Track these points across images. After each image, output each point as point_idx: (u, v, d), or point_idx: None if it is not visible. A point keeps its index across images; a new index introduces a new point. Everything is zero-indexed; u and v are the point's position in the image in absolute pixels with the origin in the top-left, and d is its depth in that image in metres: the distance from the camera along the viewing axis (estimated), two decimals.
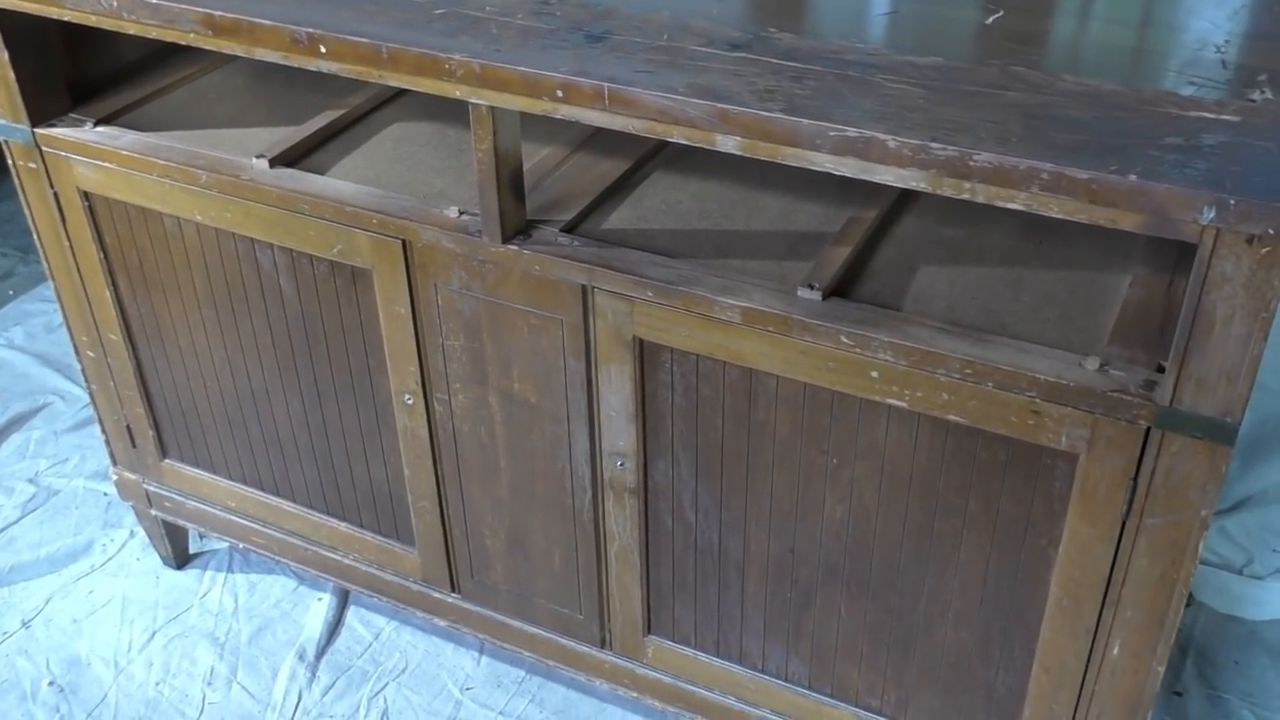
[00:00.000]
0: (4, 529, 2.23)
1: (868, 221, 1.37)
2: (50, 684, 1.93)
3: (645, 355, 1.36)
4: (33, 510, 2.27)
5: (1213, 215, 0.97)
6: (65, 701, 1.90)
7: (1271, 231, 0.96)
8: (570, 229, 1.39)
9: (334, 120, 1.62)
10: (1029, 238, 1.36)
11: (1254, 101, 1.10)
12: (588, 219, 1.42)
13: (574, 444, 1.48)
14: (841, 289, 1.28)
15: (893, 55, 1.21)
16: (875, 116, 1.09)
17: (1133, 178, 1.00)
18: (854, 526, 1.37)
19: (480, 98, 1.26)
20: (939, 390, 1.20)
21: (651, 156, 1.53)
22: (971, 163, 1.04)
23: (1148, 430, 1.13)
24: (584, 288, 1.34)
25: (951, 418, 1.22)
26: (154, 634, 2.02)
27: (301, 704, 1.89)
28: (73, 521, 2.24)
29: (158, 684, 1.93)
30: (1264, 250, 0.99)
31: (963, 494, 1.28)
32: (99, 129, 1.62)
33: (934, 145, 1.05)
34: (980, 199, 1.07)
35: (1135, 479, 1.16)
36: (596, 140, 1.54)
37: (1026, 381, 1.16)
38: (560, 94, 1.20)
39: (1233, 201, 0.96)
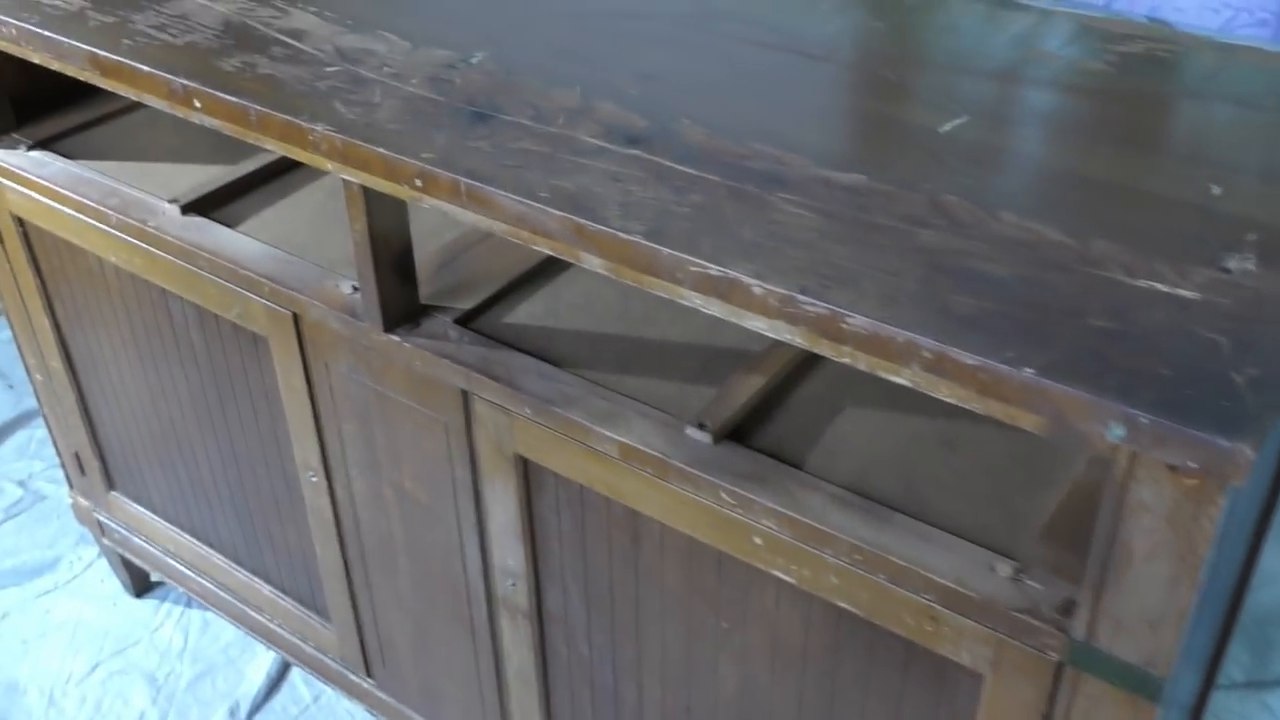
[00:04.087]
0: None
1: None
2: None
3: (530, 474, 1.19)
4: (15, 515, 2.24)
5: (1122, 434, 0.75)
6: None
7: (1193, 465, 0.74)
8: (466, 320, 1.23)
9: (269, 164, 1.50)
10: None
11: (1228, 272, 0.87)
12: (492, 308, 1.25)
13: (466, 553, 1.32)
14: (743, 429, 1.09)
15: (810, 167, 1.01)
16: (747, 252, 0.90)
17: (1028, 371, 0.78)
18: (749, 698, 1.17)
19: (349, 175, 1.10)
20: (826, 572, 1.00)
21: None
22: (844, 325, 0.84)
23: (1060, 665, 0.91)
24: (464, 392, 1.18)
25: (842, 604, 1.01)
26: (96, 666, 1.95)
27: None
28: (50, 532, 2.20)
29: None
30: (1190, 483, 0.76)
31: (862, 688, 1.07)
32: (32, 153, 1.53)
33: (801, 298, 0.86)
34: (862, 366, 0.87)
35: (1048, 717, 0.94)
36: None
37: (921, 581, 0.95)
38: (419, 183, 1.04)
39: (1145, 420, 0.74)
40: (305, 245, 1.36)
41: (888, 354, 0.84)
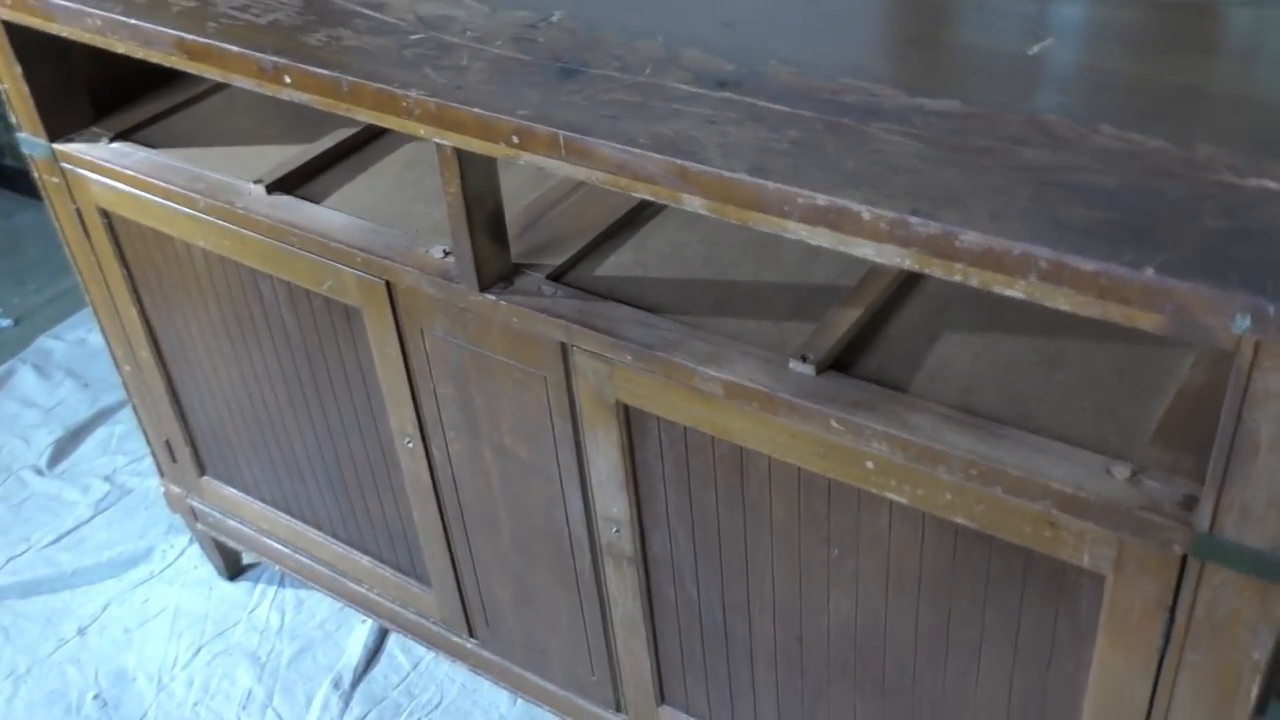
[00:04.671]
0: (75, 529, 2.24)
1: (890, 275, 1.19)
2: (95, 697, 1.93)
3: (631, 420, 1.22)
4: (105, 509, 2.28)
5: (1247, 325, 0.77)
6: (106, 717, 1.89)
7: None
8: (559, 275, 1.26)
9: (344, 140, 1.53)
10: None
11: None
12: (582, 263, 1.28)
13: (569, 505, 1.35)
14: (844, 360, 1.11)
15: (901, 97, 1.03)
16: (853, 181, 0.92)
17: (1149, 272, 0.80)
18: (863, 623, 1.20)
19: (442, 138, 1.13)
20: (941, 490, 1.03)
21: None
22: (957, 244, 0.87)
23: (1184, 558, 0.93)
24: (563, 345, 1.21)
25: (958, 520, 1.04)
26: (199, 650, 1.99)
27: None
28: (139, 524, 2.24)
29: (196, 704, 1.90)
30: None
31: (977, 603, 1.10)
32: (113, 145, 1.57)
33: (913, 220, 0.88)
34: (974, 283, 0.89)
35: (1173, 611, 0.97)
36: None
37: (1040, 489, 0.97)
38: (516, 140, 1.06)
39: (1271, 309, 0.76)
40: (390, 216, 1.39)
41: (1003, 267, 0.86)
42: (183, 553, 2.18)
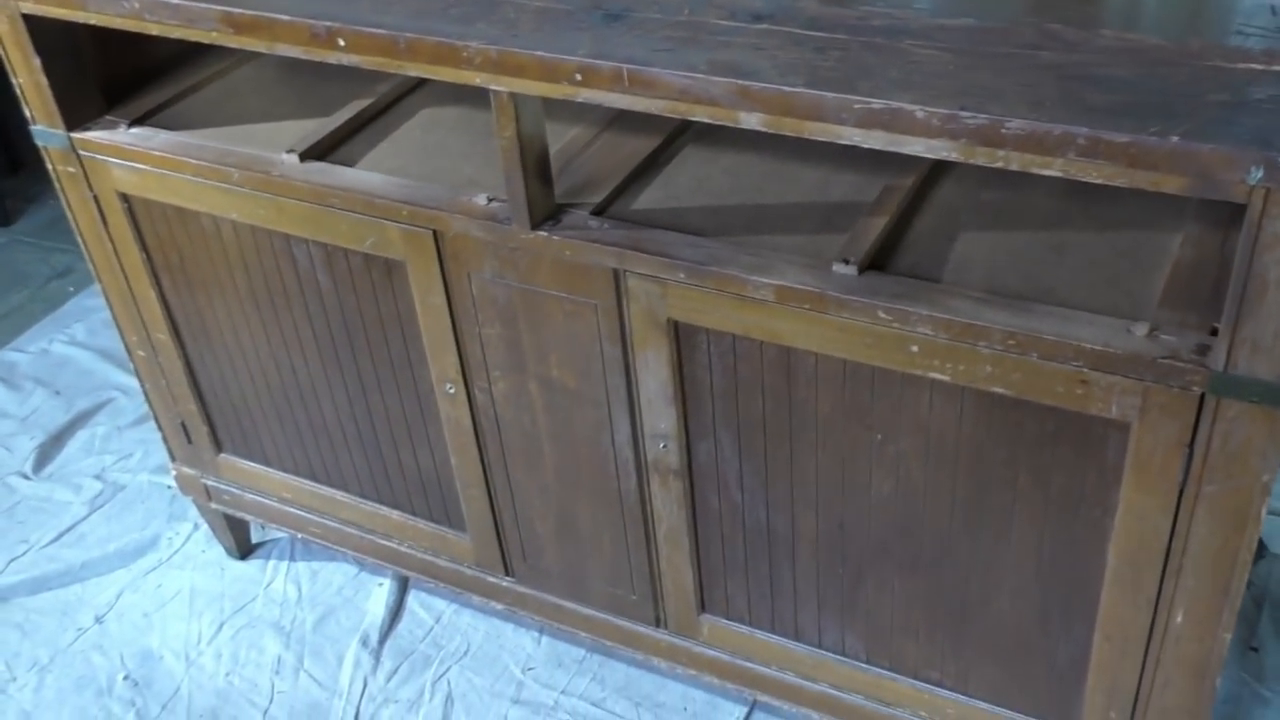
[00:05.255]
0: (74, 526, 2.27)
1: (904, 189, 1.33)
2: (125, 678, 1.97)
3: (681, 337, 1.34)
4: (100, 506, 2.31)
5: (1260, 175, 0.93)
6: (140, 695, 1.94)
7: None
8: (600, 211, 1.37)
9: (362, 110, 1.61)
10: (1074, 198, 1.31)
11: None
12: (617, 200, 1.39)
13: (615, 428, 1.46)
14: (878, 262, 1.25)
15: (922, 18, 1.17)
16: (901, 86, 1.05)
17: (1174, 139, 0.95)
18: (902, 502, 1.34)
19: (499, 84, 1.23)
20: (982, 363, 1.17)
21: (682, 131, 1.50)
22: (1004, 131, 1.00)
23: (1202, 396, 1.09)
24: (615, 271, 1.32)
25: (996, 390, 1.18)
26: (222, 625, 2.05)
27: (367, 690, 1.91)
28: (139, 516, 2.28)
29: (228, 675, 1.96)
30: None
31: (1011, 467, 1.24)
32: (133, 130, 1.63)
33: (963, 114, 1.01)
34: (1015, 167, 1.03)
35: (1191, 446, 1.12)
36: (625, 117, 1.51)
37: (1072, 351, 1.12)
38: (579, 77, 1.17)
39: None
40: (423, 173, 1.48)
41: (1044, 148, 1.00)
42: (189, 538, 2.22)
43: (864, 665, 1.52)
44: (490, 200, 1.39)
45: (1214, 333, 1.09)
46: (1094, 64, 1.06)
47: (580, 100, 1.20)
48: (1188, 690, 1.29)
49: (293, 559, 2.16)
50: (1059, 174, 1.01)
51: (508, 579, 1.76)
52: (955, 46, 1.11)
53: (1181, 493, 1.16)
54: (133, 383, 2.58)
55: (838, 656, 1.54)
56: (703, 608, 1.60)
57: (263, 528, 2.18)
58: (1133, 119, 0.98)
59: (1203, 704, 1.29)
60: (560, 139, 1.48)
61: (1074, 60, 1.07)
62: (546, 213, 1.35)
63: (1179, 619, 1.25)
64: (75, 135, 1.63)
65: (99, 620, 2.08)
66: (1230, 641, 1.24)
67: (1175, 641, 1.27)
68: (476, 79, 1.24)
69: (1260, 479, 1.11)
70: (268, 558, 2.17)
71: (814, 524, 1.42)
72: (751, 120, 1.12)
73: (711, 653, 1.63)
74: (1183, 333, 1.11)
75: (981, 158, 1.03)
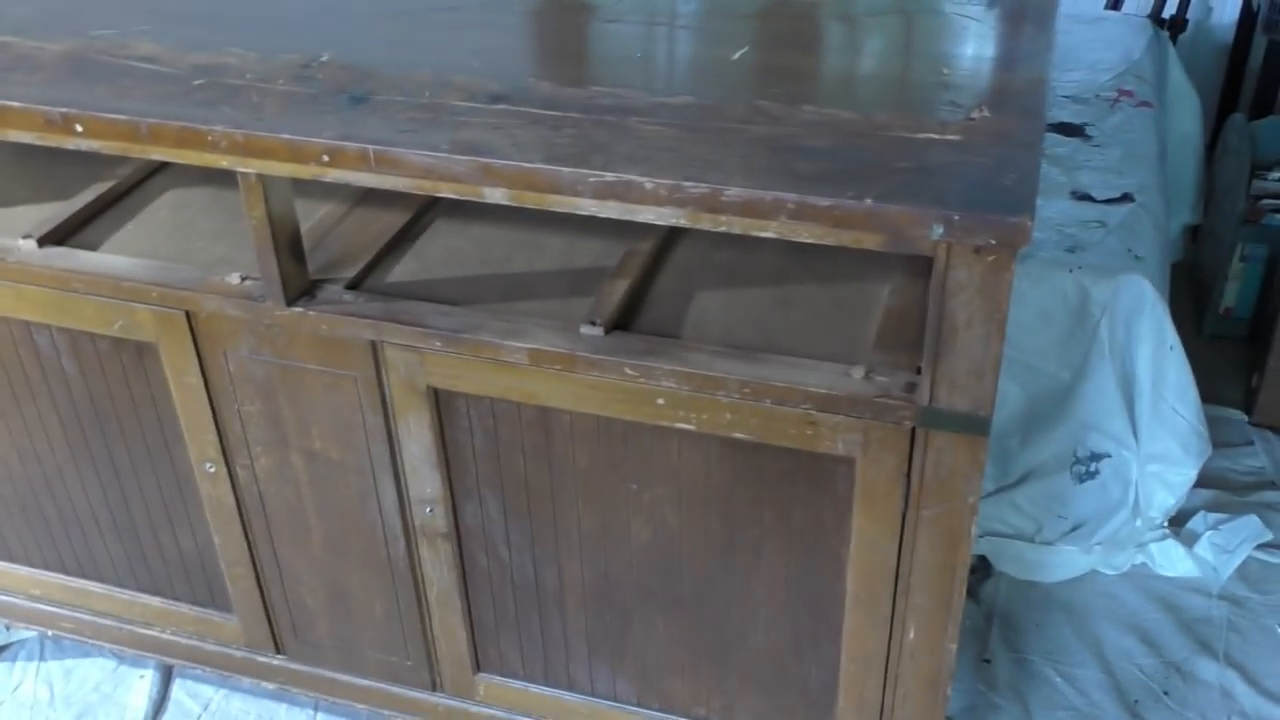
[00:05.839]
0: None
1: (644, 253, 1.43)
2: None
3: (441, 403, 1.38)
4: None
5: (941, 231, 1.06)
6: None
7: (994, 241, 1.05)
8: (355, 285, 1.40)
9: (104, 192, 1.59)
10: (795, 255, 1.43)
11: (973, 120, 1.19)
12: (371, 274, 1.43)
13: (382, 495, 1.49)
14: (622, 322, 1.33)
15: (646, 98, 1.27)
16: (631, 160, 1.15)
17: (869, 202, 1.07)
18: (661, 547, 1.42)
19: (247, 166, 1.26)
20: (722, 411, 1.26)
21: (431, 206, 1.55)
22: (723, 198, 1.11)
23: (913, 430, 1.21)
24: (373, 343, 1.36)
25: (737, 435, 1.28)
26: None
27: None
28: None
29: None
30: (990, 258, 1.08)
31: (757, 505, 1.34)
32: None
33: (687, 184, 1.11)
34: (736, 230, 1.13)
35: (909, 475, 1.25)
36: (375, 194, 1.55)
37: (800, 395, 1.23)
38: (326, 158, 1.21)
39: (957, 217, 1.05)
40: (171, 254, 1.48)
41: (759, 213, 1.10)
42: None
43: (635, 708, 1.59)
44: (244, 279, 1.40)
45: (919, 371, 1.22)
46: (798, 136, 1.18)
47: (328, 180, 1.24)
48: (925, 701, 1.42)
49: (43, 658, 2.06)
50: (774, 235, 1.12)
51: (279, 657, 1.75)
52: (676, 122, 1.21)
53: (904, 518, 1.28)
54: None
55: (611, 703, 1.60)
56: (478, 667, 1.63)
57: (7, 628, 2.07)
58: (833, 184, 1.10)
59: (938, 712, 1.41)
60: (312, 216, 1.50)
61: (781, 133, 1.19)
62: (301, 289, 1.38)
63: (911, 635, 1.37)
64: None
65: None
66: (962, 654, 1.37)
67: (910, 656, 1.39)
68: (223, 162, 1.26)
69: (967, 500, 1.24)
70: (14, 660, 2.06)
71: (580, 574, 1.48)
72: (495, 195, 1.18)
73: (488, 712, 1.67)
74: (894, 373, 1.24)
75: (706, 222, 1.13)
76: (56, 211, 1.56)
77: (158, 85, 1.33)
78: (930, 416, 1.19)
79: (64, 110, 1.29)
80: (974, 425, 1.18)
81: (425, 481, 1.45)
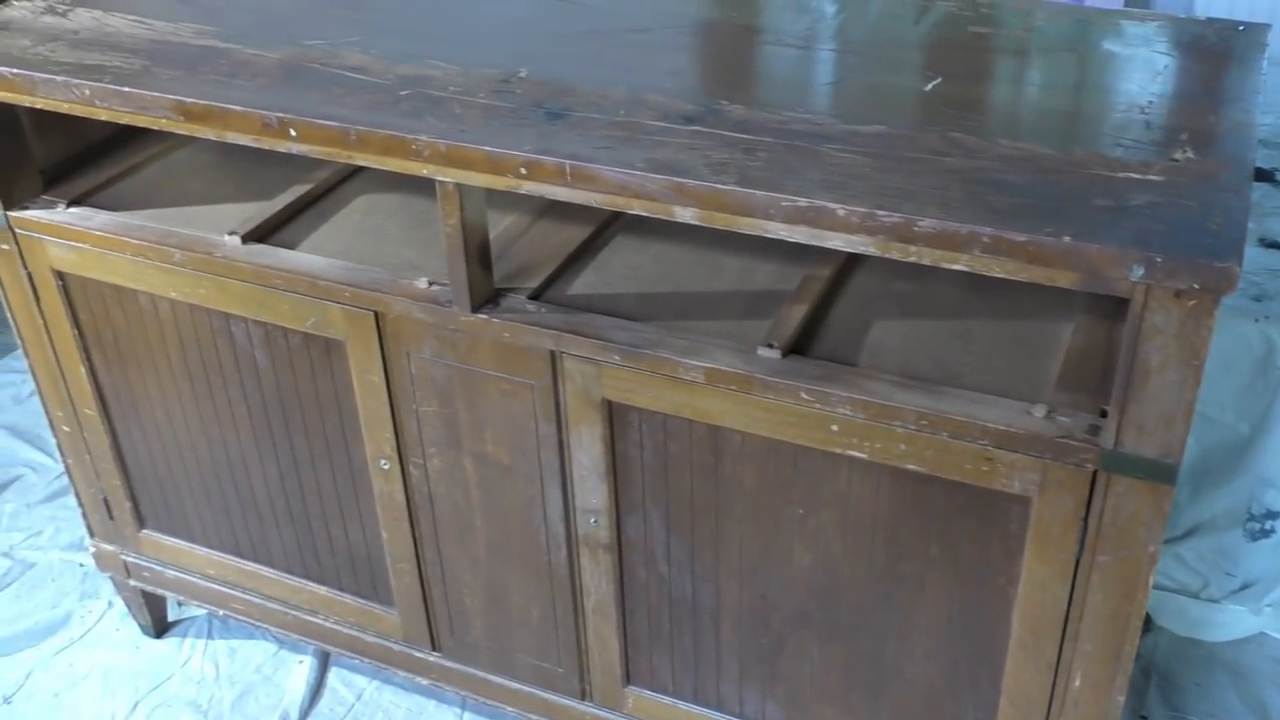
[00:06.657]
0: None
1: (823, 279, 1.43)
2: None
3: (614, 416, 1.41)
4: (9, 584, 2.28)
5: (1142, 272, 1.04)
6: None
7: (1196, 286, 1.03)
8: (537, 296, 1.44)
9: (302, 194, 1.67)
10: (974, 289, 1.42)
11: (1176, 161, 1.17)
12: (553, 285, 1.47)
13: (548, 503, 1.52)
14: (800, 346, 1.34)
15: (838, 124, 1.27)
16: (824, 186, 1.15)
17: (1067, 239, 1.06)
18: (822, 573, 1.42)
19: (446, 176, 1.31)
20: (896, 441, 1.26)
21: (612, 221, 1.58)
22: (916, 228, 1.10)
23: (1095, 473, 1.19)
24: (552, 353, 1.39)
25: (910, 466, 1.27)
26: (137, 704, 2.03)
27: None
28: (50, 594, 2.26)
29: None
30: (1191, 303, 1.05)
31: (924, 538, 1.33)
32: (71, 210, 1.66)
33: (880, 213, 1.11)
34: (926, 261, 1.13)
35: (1086, 519, 1.22)
36: (559, 207, 1.59)
37: (978, 430, 1.22)
38: (524, 171, 1.25)
39: (1159, 259, 1.03)
40: (363, 256, 1.54)
41: (952, 245, 1.10)
42: (102, 616, 2.20)
43: None
44: (431, 283, 1.45)
45: (1104, 414, 1.20)
46: (994, 170, 1.17)
47: (523, 191, 1.27)
48: None
49: (210, 637, 2.15)
50: (965, 268, 1.11)
51: (434, 654, 1.79)
52: (869, 150, 1.22)
53: (1078, 563, 1.25)
54: (43, 459, 2.57)
55: None
56: (628, 680, 1.65)
57: (180, 605, 2.18)
58: (1029, 220, 1.09)
59: None
60: (497, 226, 1.55)
61: (976, 166, 1.18)
62: (486, 296, 1.42)
63: (1077, 683, 1.34)
64: (12, 214, 1.66)
65: (7, 701, 2.04)
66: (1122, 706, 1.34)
67: (1074, 705, 1.36)
68: (424, 170, 1.31)
69: (1147, 549, 1.21)
70: (184, 635, 2.16)
71: (738, 594, 1.49)
72: (686, 214, 1.21)
73: None
74: (1076, 414, 1.21)
75: (896, 252, 1.13)
76: (258, 210, 1.64)
77: (366, 94, 1.39)
78: (1114, 461, 1.17)
79: (280, 115, 1.35)
80: (1160, 473, 1.15)
81: (592, 492, 1.48)
